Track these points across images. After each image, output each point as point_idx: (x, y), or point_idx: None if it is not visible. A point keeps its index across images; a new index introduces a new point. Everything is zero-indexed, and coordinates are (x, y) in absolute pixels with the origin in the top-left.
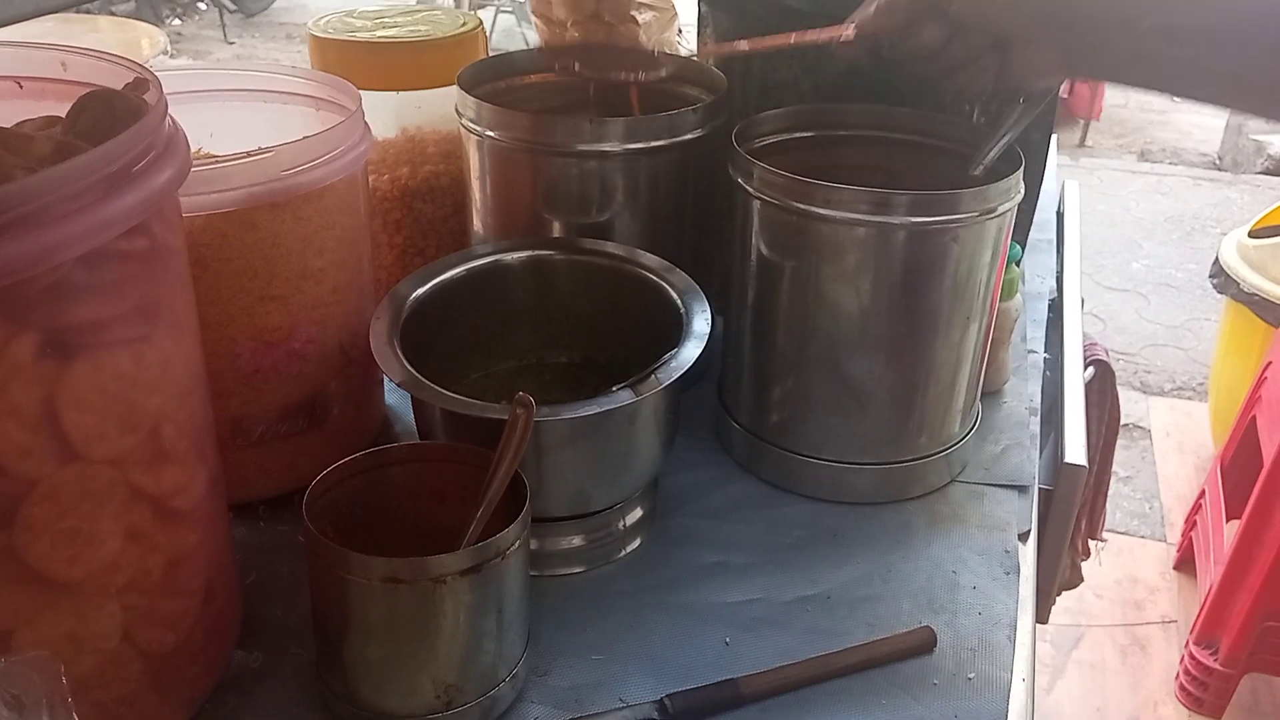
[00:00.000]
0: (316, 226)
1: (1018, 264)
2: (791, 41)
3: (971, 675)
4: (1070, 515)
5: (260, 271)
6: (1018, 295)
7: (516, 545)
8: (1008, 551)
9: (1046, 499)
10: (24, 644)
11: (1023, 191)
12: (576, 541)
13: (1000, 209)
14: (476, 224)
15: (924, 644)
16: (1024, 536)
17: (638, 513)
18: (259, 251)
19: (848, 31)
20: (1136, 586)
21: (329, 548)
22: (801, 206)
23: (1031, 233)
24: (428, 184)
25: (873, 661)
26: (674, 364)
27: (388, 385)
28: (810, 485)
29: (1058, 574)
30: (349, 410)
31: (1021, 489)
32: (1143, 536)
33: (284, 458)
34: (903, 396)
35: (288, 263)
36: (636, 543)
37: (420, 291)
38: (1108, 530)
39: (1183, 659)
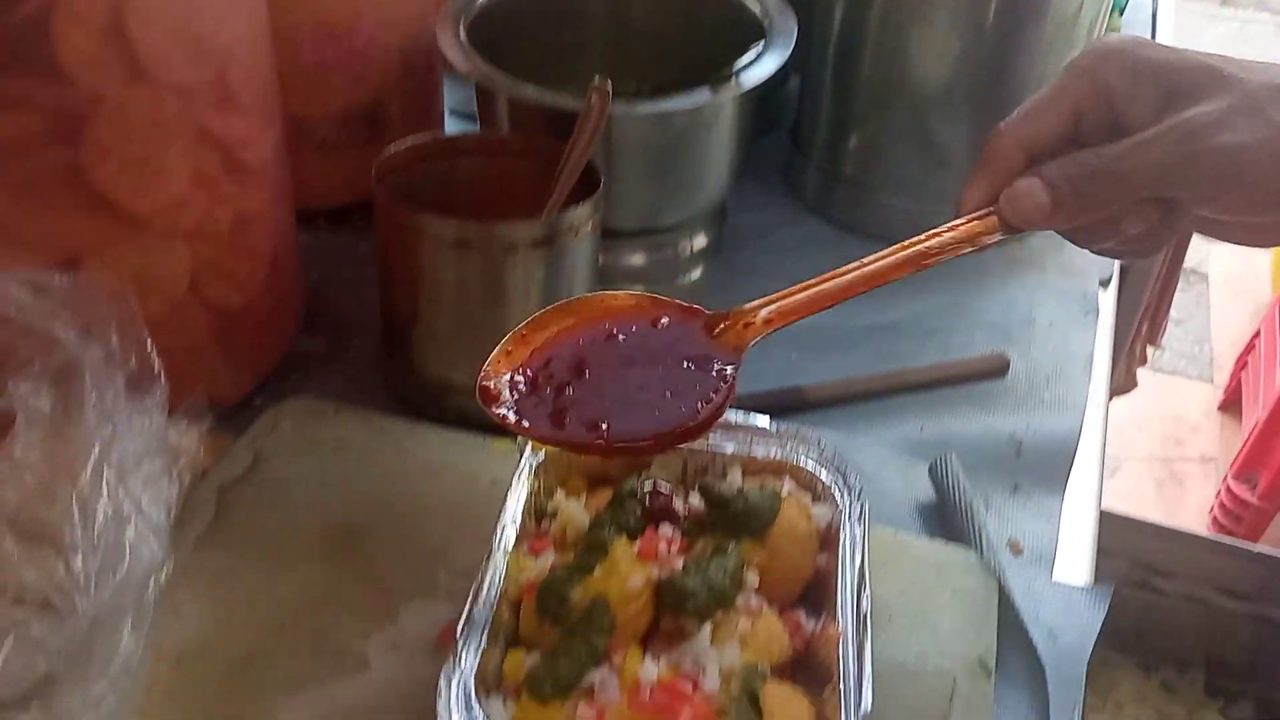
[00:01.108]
0: None
1: (1121, 13)
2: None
3: (1046, 396)
4: (1141, 297)
5: None
6: None
7: (589, 226)
8: (1087, 295)
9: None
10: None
11: None
12: (639, 260)
13: None
14: None
15: (997, 367)
16: (1105, 283)
17: (702, 239)
18: None
19: (987, 238)
20: (1179, 424)
21: (400, 211)
22: None
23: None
24: None
25: (943, 380)
26: (756, 69)
27: (448, 118)
28: (883, 226)
29: (1114, 375)
30: (409, 133)
31: None
32: (1190, 377)
33: (344, 169)
34: None
35: None
36: (699, 270)
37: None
38: (1155, 370)
39: (1219, 493)
